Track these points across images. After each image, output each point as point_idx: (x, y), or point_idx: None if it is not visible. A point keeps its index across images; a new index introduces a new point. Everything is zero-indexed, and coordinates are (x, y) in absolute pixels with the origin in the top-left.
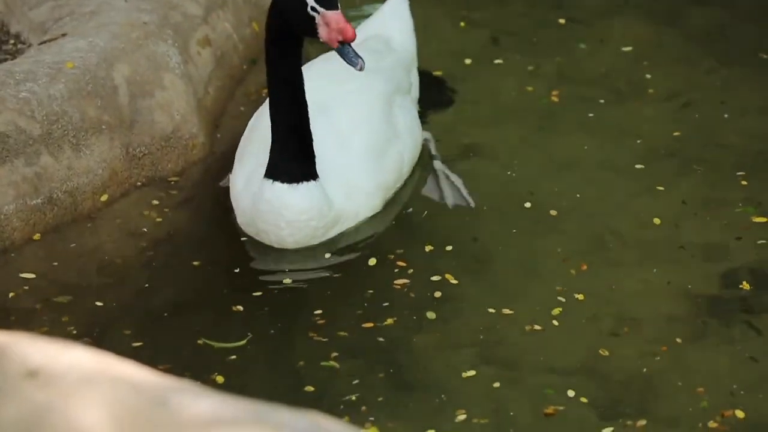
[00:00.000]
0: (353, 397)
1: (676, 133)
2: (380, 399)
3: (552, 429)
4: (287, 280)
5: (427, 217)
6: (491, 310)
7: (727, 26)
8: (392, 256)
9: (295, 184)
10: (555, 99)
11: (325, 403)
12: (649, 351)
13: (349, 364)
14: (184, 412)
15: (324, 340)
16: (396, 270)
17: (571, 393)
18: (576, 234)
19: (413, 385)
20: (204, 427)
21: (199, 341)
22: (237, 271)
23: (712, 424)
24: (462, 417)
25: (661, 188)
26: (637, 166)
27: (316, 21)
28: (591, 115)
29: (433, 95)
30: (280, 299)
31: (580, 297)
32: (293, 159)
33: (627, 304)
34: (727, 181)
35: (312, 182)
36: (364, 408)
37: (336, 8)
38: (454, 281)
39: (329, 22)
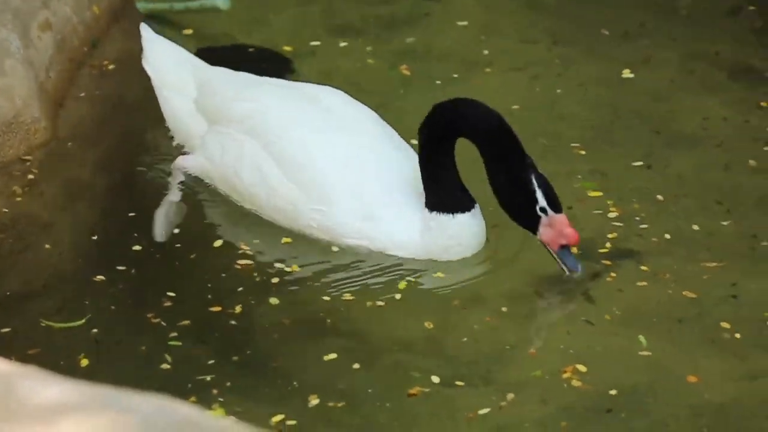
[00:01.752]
0: (204, 380)
1: (515, 107)
2: (230, 383)
3: (415, 409)
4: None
5: None
6: (333, 291)
7: (568, 3)
8: (240, 243)
9: (473, 210)
10: (406, 72)
11: (174, 385)
12: (492, 324)
13: (199, 347)
14: (30, 399)
15: (172, 322)
16: (239, 252)
17: (427, 370)
18: None
19: (265, 369)
20: (51, 414)
21: (42, 323)
22: (85, 253)
23: (564, 378)
24: (315, 401)
25: None
26: None
27: (542, 221)
28: (437, 86)
29: (280, 73)
30: (128, 282)
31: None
32: (458, 189)
33: None
34: (568, 153)
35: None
36: (215, 391)
37: (561, 210)
38: (297, 268)
39: (555, 225)
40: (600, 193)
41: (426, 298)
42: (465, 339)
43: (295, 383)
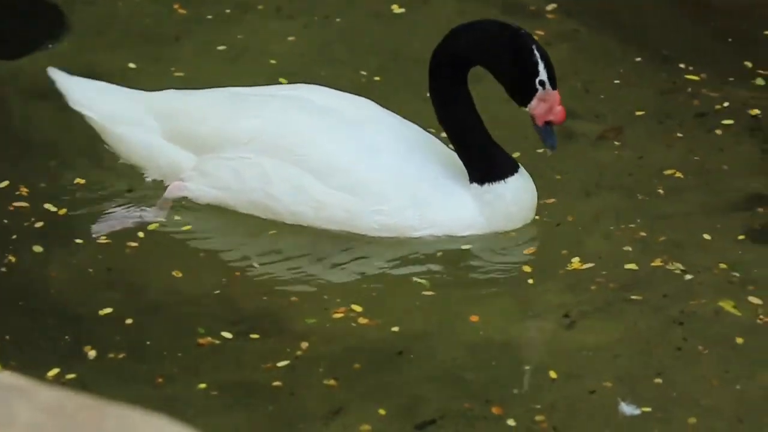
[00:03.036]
0: None
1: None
2: (8, 337)
3: (206, 360)
4: None
5: None
6: (107, 240)
7: None
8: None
9: (520, 169)
10: (181, 11)
11: None
12: (290, 278)
13: None
14: None
15: None
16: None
17: (216, 323)
18: None
19: (42, 322)
20: None
21: None
22: None
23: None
24: (93, 353)
25: None
26: None
27: (537, 94)
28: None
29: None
30: None
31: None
32: (497, 152)
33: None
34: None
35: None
36: None
37: (557, 87)
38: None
39: (549, 100)
40: None
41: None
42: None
43: (67, 337)
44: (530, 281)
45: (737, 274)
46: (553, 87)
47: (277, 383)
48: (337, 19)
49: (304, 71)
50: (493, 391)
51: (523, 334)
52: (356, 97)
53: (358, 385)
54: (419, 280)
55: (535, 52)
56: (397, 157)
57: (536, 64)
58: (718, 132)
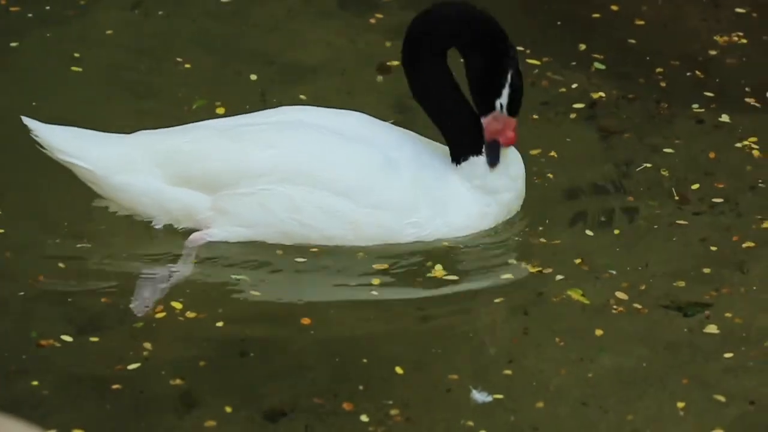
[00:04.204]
0: None
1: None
2: None
3: (44, 360)
4: None
5: None
6: None
7: None
8: None
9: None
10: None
11: None
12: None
13: None
14: None
15: None
16: None
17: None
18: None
19: None
20: None
21: None
22: None
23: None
24: None
25: None
26: None
27: (492, 113)
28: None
29: None
30: None
31: None
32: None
33: None
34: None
35: None
36: None
37: (516, 115)
38: None
39: (502, 123)
40: None
41: None
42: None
43: None
44: (376, 281)
45: (583, 263)
46: (510, 113)
47: (123, 383)
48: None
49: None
50: (342, 386)
51: (374, 329)
52: (344, 111)
53: (206, 383)
54: (238, 277)
55: (508, 75)
56: (412, 166)
57: (502, 86)
58: (562, 117)
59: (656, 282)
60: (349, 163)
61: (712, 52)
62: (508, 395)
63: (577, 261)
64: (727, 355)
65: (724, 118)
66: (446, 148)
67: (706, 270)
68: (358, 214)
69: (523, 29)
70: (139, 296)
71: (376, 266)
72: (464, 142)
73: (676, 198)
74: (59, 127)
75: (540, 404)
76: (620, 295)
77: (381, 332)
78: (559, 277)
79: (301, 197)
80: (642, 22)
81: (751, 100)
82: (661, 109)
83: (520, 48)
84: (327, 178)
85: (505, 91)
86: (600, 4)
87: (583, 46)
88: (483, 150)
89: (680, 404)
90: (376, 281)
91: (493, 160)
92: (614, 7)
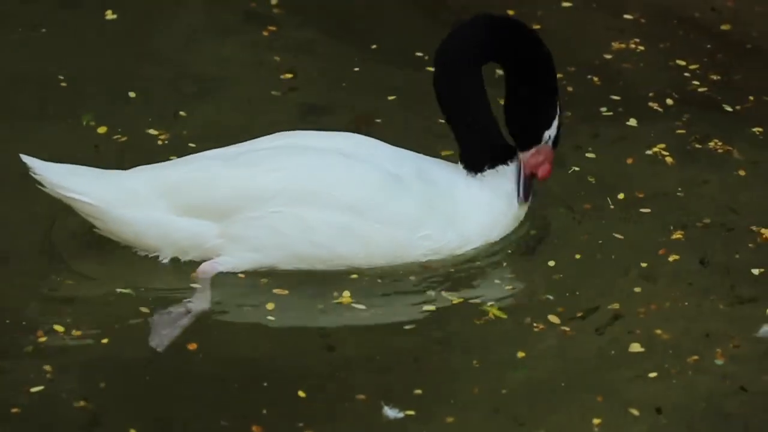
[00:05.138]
0: None
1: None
2: None
3: None
4: None
5: None
6: None
7: None
8: None
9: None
10: None
11: None
12: None
13: None
14: None
15: None
16: None
17: None
18: None
19: None
20: None
21: None
22: None
23: None
24: None
25: None
26: None
27: (538, 146)
28: None
29: None
30: None
31: None
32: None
33: None
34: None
35: None
36: None
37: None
38: None
39: (543, 155)
40: None
41: None
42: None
43: None
44: (270, 306)
45: (504, 282)
46: (554, 146)
47: (26, 407)
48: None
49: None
50: (250, 407)
51: (278, 349)
52: (337, 133)
53: (111, 405)
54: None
55: (557, 106)
56: (418, 181)
57: (553, 117)
58: None
59: (573, 297)
60: (356, 180)
61: (608, 57)
62: (420, 410)
63: (497, 281)
64: (641, 367)
65: (632, 122)
66: (443, 162)
67: (621, 281)
68: (370, 231)
69: (421, 36)
70: (156, 333)
71: (276, 291)
72: (489, 151)
73: (584, 208)
74: (56, 164)
75: (450, 419)
76: (539, 310)
77: (280, 355)
78: (478, 290)
79: (312, 217)
80: (538, 26)
81: (654, 105)
82: (565, 117)
83: (419, 54)
84: (336, 196)
85: (555, 122)
86: (497, 10)
87: None
88: (510, 163)
89: (596, 420)
90: (270, 306)
91: (525, 196)
92: (511, 12)
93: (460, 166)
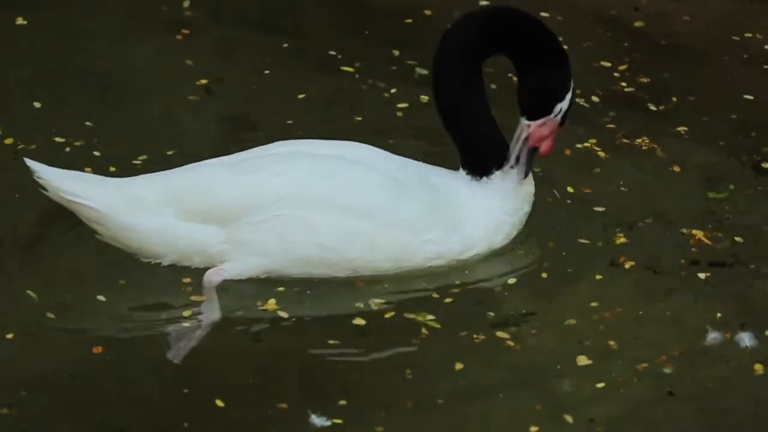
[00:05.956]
0: None
1: None
2: None
3: None
4: None
5: None
6: None
7: None
8: None
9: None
10: None
11: None
12: None
13: None
14: None
15: None
16: None
17: None
18: None
19: None
20: None
21: None
22: None
23: None
24: None
25: None
26: None
27: (547, 117)
28: None
29: None
30: None
31: None
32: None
33: None
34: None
35: None
36: None
37: (564, 125)
38: None
39: (551, 129)
40: None
41: None
42: None
43: None
44: (187, 313)
45: (434, 290)
46: (562, 122)
47: None
48: None
49: None
50: (179, 413)
51: (199, 356)
52: (339, 141)
53: (35, 409)
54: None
55: (571, 81)
56: (421, 185)
57: (567, 90)
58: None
59: (512, 303)
60: (362, 184)
61: None
62: (348, 419)
63: (435, 293)
64: (586, 376)
65: None
66: (443, 169)
67: (565, 288)
68: (376, 235)
69: (329, 33)
70: (174, 346)
71: (194, 298)
72: (492, 155)
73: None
74: (60, 169)
75: (380, 428)
76: (477, 320)
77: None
78: (413, 300)
79: (317, 221)
80: None
81: (580, 101)
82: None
83: (332, 53)
84: (342, 200)
85: (569, 95)
86: (413, 9)
87: (396, 52)
88: (511, 161)
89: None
90: (187, 313)
91: (528, 168)
92: (428, 12)
93: (460, 173)
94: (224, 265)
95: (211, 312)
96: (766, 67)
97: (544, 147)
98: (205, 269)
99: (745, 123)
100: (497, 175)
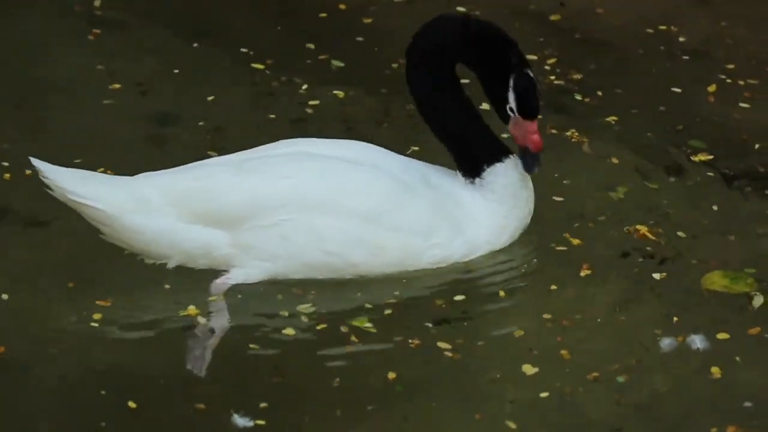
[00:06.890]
0: None
1: None
2: None
3: None
4: None
5: None
6: None
7: None
8: None
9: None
10: None
11: None
12: None
13: None
14: None
15: None
16: None
17: None
18: None
19: None
20: None
21: None
22: None
23: None
24: None
25: None
26: None
27: (510, 119)
28: None
29: None
30: None
31: None
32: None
33: None
34: None
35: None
36: None
37: (535, 118)
38: None
39: (522, 128)
40: None
41: None
42: None
43: None
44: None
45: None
46: (525, 117)
47: None
48: None
49: None
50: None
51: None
52: (342, 141)
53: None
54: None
55: (510, 79)
56: (425, 188)
57: (505, 91)
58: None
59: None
60: (368, 187)
61: None
62: (270, 419)
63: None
64: (533, 386)
65: (485, 106)
66: (444, 169)
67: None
68: (383, 239)
69: (242, 31)
70: (191, 357)
71: (99, 302)
72: (481, 156)
73: None
74: (67, 169)
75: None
76: (415, 326)
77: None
78: (346, 303)
79: (323, 225)
80: (369, 21)
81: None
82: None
83: (244, 50)
84: (348, 203)
85: (511, 96)
86: (332, 6)
87: (312, 46)
88: (504, 159)
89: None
90: (97, 316)
91: (528, 166)
92: (342, 6)
93: (458, 174)
94: (230, 273)
95: (221, 320)
96: (686, 58)
97: (530, 144)
98: (210, 271)
99: (672, 115)
100: (489, 172)
